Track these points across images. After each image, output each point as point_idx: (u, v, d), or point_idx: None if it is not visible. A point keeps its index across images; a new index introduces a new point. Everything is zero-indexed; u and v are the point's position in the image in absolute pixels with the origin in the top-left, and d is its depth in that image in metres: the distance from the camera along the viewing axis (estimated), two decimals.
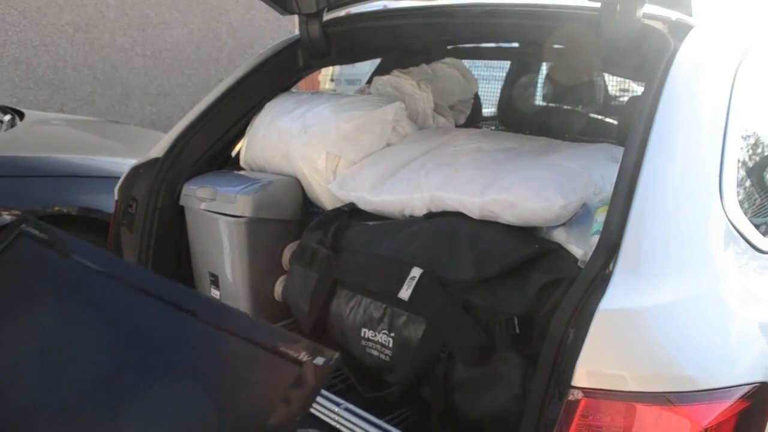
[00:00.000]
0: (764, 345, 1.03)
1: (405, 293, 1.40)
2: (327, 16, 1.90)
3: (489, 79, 3.11)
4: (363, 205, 1.72)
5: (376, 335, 1.47)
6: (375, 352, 1.48)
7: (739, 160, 1.17)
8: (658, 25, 1.28)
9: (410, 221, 1.65)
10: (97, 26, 5.85)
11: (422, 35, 2.12)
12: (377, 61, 2.69)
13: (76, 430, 0.92)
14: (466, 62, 2.65)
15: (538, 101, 2.92)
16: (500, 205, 1.42)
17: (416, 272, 1.41)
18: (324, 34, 1.88)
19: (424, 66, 2.30)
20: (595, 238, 1.06)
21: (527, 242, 1.43)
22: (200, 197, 1.85)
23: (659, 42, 1.21)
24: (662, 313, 0.97)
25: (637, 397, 0.95)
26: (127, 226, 1.90)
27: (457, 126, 2.33)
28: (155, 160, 1.91)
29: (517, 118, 2.80)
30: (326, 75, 6.78)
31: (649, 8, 1.29)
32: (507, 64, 3.04)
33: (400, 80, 2.13)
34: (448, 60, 2.38)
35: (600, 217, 1.25)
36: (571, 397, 0.96)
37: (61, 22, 5.67)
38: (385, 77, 2.18)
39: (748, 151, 1.26)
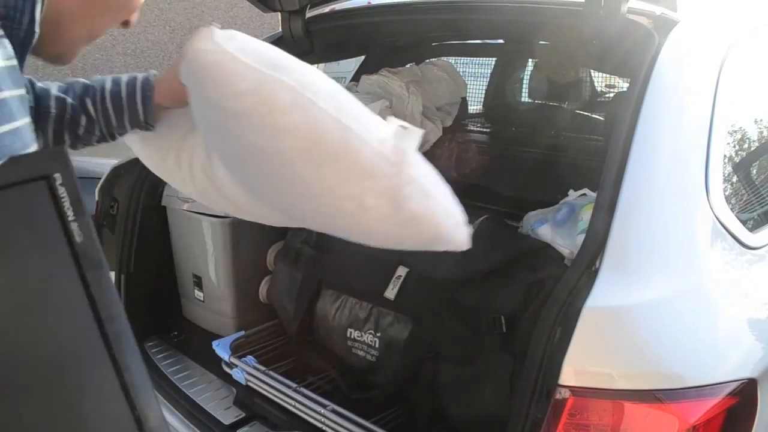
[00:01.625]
0: (752, 341, 1.03)
1: (391, 292, 1.39)
2: (310, 13, 1.88)
3: (475, 76, 3.11)
4: None
5: (362, 335, 1.46)
6: (361, 353, 1.47)
7: (725, 156, 1.17)
8: (643, 20, 1.27)
9: None
10: None
11: (406, 32, 2.10)
12: (362, 58, 2.67)
13: None
14: (452, 59, 2.64)
15: (524, 98, 2.91)
16: None
17: (402, 271, 1.40)
18: (307, 31, 1.86)
19: (413, 67, 2.29)
20: (581, 237, 1.06)
21: (514, 241, 1.42)
22: (183, 198, 1.82)
23: (644, 37, 1.20)
24: (649, 310, 0.97)
25: (625, 395, 0.94)
26: (108, 227, 1.87)
27: (444, 127, 2.32)
28: (136, 160, 1.88)
29: (502, 116, 2.79)
30: None
31: (633, 3, 1.28)
32: (492, 60, 3.04)
33: (388, 81, 2.11)
34: (439, 62, 2.36)
35: (585, 215, 1.25)
36: (558, 396, 0.95)
37: None
38: (374, 77, 2.16)
39: (734, 146, 1.25)
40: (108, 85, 1.09)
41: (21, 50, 0.67)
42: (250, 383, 1.56)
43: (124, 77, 1.11)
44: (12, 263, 0.56)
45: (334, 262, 1.54)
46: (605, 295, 0.96)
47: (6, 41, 0.63)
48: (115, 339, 0.59)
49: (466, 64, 3.09)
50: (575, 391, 0.95)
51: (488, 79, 3.05)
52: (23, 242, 0.56)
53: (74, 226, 0.57)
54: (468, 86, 2.92)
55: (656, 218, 1.03)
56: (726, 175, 1.17)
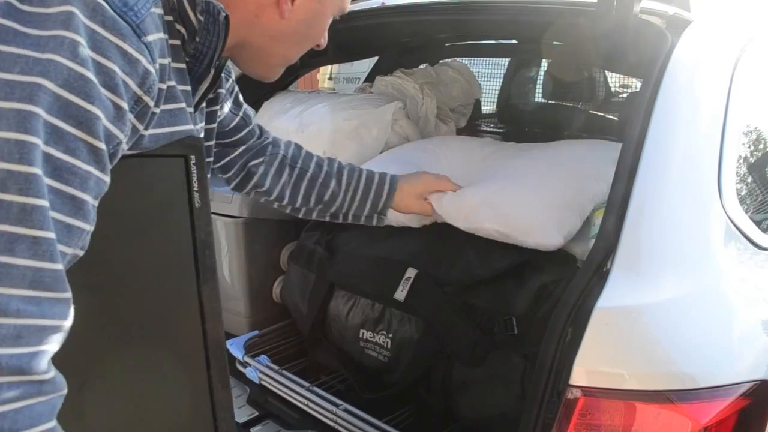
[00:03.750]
0: (765, 342, 1.02)
1: (400, 294, 1.39)
2: None
3: (488, 77, 3.11)
4: None
5: (374, 336, 1.47)
6: (373, 353, 1.47)
7: (738, 157, 1.16)
8: (656, 20, 1.27)
9: None
10: None
11: (420, 33, 2.11)
12: (376, 58, 2.68)
13: None
14: (466, 59, 2.64)
15: (538, 98, 2.91)
16: (491, 232, 1.33)
17: (411, 273, 1.40)
18: None
19: (428, 68, 2.29)
20: (594, 241, 1.05)
21: None
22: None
23: (657, 37, 1.20)
24: (661, 310, 0.96)
25: (637, 395, 0.94)
26: None
27: (458, 128, 2.32)
28: None
29: (516, 116, 2.79)
30: (324, 73, 6.77)
31: (646, 3, 1.28)
32: (506, 61, 3.04)
33: (402, 82, 2.11)
34: (453, 64, 2.36)
35: (597, 219, 1.24)
36: (569, 396, 0.95)
37: None
38: (388, 78, 2.17)
39: (747, 147, 1.25)
40: (363, 168, 1.36)
41: (196, 84, 0.85)
42: (263, 382, 1.57)
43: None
44: (148, 204, 0.78)
45: (345, 264, 1.55)
46: (617, 296, 0.96)
47: (186, 83, 0.81)
48: (203, 262, 0.81)
49: (480, 64, 3.09)
50: (586, 391, 0.95)
51: (501, 79, 3.04)
52: (161, 193, 0.79)
53: (196, 196, 0.79)
54: (482, 87, 2.92)
55: (668, 219, 1.02)
56: (740, 175, 1.16)
